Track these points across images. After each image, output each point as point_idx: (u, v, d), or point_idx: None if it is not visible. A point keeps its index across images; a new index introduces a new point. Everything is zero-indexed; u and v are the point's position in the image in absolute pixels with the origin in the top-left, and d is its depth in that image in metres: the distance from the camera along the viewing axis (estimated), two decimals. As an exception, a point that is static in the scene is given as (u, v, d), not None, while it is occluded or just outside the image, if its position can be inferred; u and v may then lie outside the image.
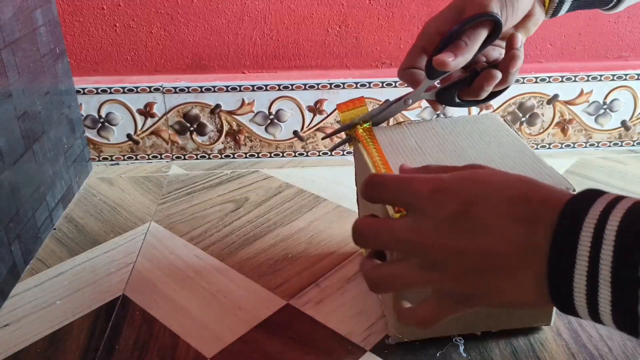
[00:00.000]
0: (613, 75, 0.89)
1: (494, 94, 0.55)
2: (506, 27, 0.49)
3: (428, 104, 0.90)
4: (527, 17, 0.51)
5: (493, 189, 0.33)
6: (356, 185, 0.65)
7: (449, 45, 0.49)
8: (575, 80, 0.90)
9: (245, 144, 0.92)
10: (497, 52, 0.55)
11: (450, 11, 0.51)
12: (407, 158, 0.52)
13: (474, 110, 0.91)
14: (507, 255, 0.32)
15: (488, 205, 0.33)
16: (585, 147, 0.95)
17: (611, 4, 0.52)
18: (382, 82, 0.88)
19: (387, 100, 0.58)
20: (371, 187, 0.38)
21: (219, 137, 0.91)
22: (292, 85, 0.88)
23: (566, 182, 0.47)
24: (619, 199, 0.30)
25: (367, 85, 0.88)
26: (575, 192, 0.32)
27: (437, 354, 0.52)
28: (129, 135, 0.91)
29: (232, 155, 0.93)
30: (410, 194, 0.35)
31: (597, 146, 0.95)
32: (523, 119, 0.92)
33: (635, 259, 0.27)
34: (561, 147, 0.95)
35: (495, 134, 0.56)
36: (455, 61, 0.48)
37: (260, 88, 0.88)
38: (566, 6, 0.51)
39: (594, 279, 0.29)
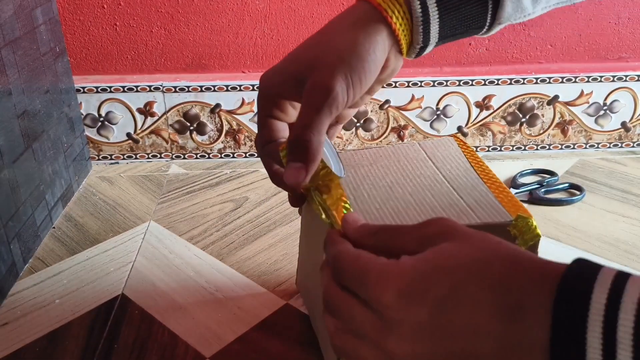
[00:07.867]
0: (613, 77, 0.90)
1: None
2: (354, 101, 0.43)
3: (429, 105, 0.90)
4: (382, 71, 0.44)
5: (464, 279, 0.30)
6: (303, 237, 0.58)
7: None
8: (575, 81, 0.90)
9: (245, 144, 0.92)
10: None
11: (289, 76, 0.43)
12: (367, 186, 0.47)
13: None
14: (489, 356, 0.28)
15: (462, 303, 0.29)
16: (585, 148, 0.95)
17: (484, 29, 0.45)
18: (383, 82, 0.88)
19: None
20: (332, 260, 0.36)
21: (219, 136, 0.91)
22: (292, 85, 0.88)
23: (506, 215, 0.42)
24: (619, 283, 0.26)
25: (368, 85, 0.88)
26: (564, 270, 0.28)
27: None
28: (128, 134, 0.91)
29: (232, 155, 0.93)
30: (372, 298, 0.32)
31: (597, 147, 0.95)
32: (523, 119, 0.92)
33: None
34: (561, 148, 0.95)
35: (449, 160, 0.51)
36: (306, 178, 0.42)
37: (260, 87, 0.88)
38: (430, 47, 0.44)
39: None
